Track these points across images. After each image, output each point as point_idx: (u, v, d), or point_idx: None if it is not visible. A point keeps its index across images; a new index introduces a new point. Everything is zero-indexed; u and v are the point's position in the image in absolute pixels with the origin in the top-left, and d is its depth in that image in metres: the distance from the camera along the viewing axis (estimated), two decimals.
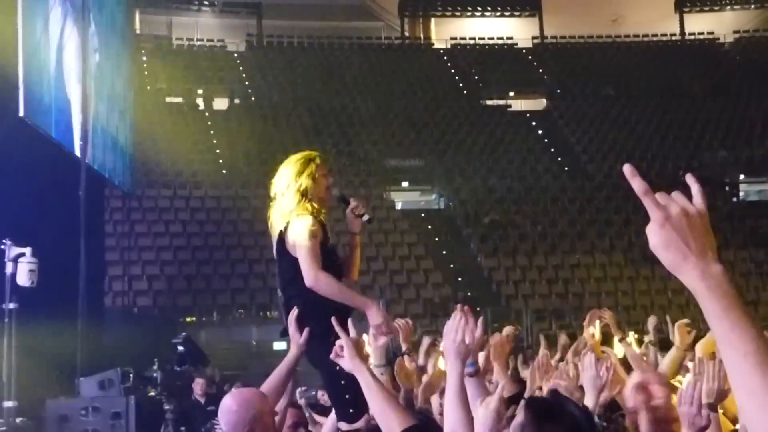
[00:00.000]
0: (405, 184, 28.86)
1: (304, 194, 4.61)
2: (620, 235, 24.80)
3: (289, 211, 4.60)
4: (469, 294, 22.09)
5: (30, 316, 9.95)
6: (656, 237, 1.47)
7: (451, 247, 25.39)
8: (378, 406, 3.20)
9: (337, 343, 3.28)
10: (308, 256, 4.48)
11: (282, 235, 4.61)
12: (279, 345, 17.02)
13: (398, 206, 27.48)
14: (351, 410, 4.36)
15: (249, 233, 22.92)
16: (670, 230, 1.46)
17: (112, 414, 9.81)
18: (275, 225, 4.67)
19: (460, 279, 23.73)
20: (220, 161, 27.26)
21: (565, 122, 31.59)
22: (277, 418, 4.33)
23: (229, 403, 3.90)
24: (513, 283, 23.49)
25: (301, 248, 4.50)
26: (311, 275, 4.43)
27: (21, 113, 10.48)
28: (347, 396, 4.28)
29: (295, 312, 4.51)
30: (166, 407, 7.36)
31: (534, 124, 31.89)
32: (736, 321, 1.40)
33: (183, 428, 7.24)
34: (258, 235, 22.60)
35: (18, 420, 9.69)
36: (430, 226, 26.42)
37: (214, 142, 28.25)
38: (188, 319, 20.49)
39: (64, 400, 10.08)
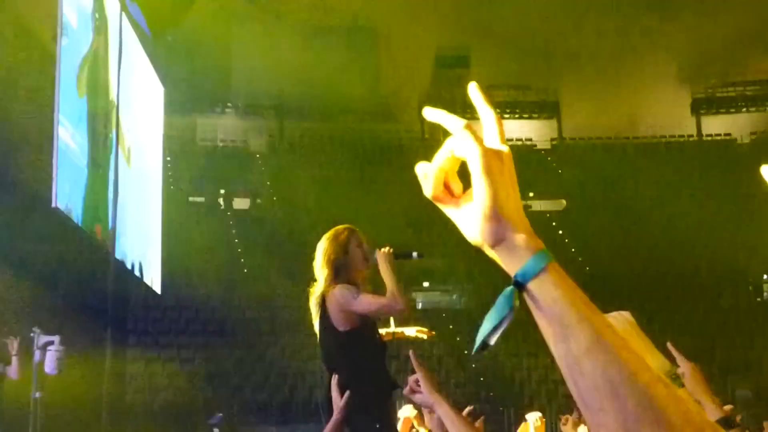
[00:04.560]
0: (426, 284, 28.79)
1: (337, 269, 4.58)
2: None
3: (324, 287, 4.57)
4: (491, 394, 21.80)
5: (55, 407, 9.88)
6: None
7: (472, 347, 25.09)
8: None
9: (411, 378, 3.20)
10: (371, 304, 4.49)
11: (323, 310, 4.58)
12: None
13: (419, 306, 27.40)
14: None
15: (270, 333, 22.84)
16: None
17: None
18: (313, 303, 4.64)
19: (482, 378, 23.45)
20: (241, 260, 27.33)
21: (583, 223, 31.58)
22: None
23: None
24: (536, 382, 23.18)
25: (360, 305, 4.46)
26: (390, 304, 4.46)
27: (53, 204, 10.60)
28: None
29: (336, 378, 4.42)
30: None
31: (554, 224, 31.90)
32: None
33: None
34: (277, 335, 22.52)
35: None
36: (451, 326, 26.24)
37: (236, 241, 28.38)
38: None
39: None
